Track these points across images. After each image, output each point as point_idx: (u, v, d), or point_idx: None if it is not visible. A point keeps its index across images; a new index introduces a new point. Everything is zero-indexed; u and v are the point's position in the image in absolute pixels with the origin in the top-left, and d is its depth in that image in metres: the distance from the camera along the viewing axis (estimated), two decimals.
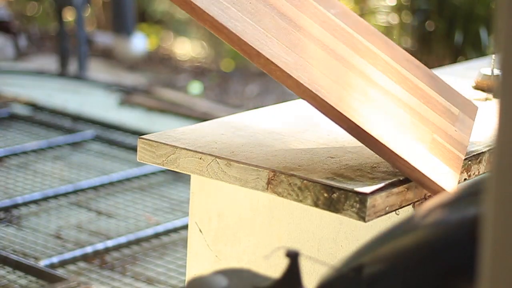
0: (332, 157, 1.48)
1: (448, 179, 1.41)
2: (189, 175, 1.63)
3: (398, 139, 1.42)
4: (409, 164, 1.38)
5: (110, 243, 3.00)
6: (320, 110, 1.40)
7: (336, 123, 1.39)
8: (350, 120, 1.38)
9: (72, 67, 5.80)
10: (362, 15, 7.61)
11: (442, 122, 1.54)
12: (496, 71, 1.92)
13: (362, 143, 1.40)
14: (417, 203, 1.42)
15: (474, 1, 5.19)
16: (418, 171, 1.38)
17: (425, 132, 1.48)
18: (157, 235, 3.14)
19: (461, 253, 0.89)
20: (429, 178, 1.38)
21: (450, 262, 0.89)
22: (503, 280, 0.69)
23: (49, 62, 6.22)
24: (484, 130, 1.68)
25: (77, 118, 4.43)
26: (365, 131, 1.38)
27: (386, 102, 1.49)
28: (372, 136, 1.38)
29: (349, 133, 1.40)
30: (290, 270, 0.98)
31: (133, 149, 3.89)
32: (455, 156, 1.48)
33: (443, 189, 1.38)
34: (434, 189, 1.39)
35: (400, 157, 1.38)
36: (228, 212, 1.64)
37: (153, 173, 3.71)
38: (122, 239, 3.05)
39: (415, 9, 5.41)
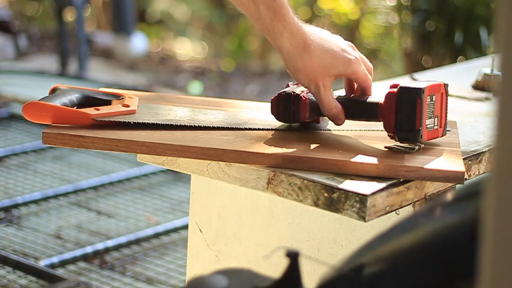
0: None
1: (456, 164, 1.41)
2: (189, 175, 1.63)
3: (388, 157, 1.42)
4: (411, 167, 1.38)
5: (110, 243, 3.00)
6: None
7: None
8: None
9: (72, 67, 5.80)
10: (362, 15, 7.61)
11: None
12: (496, 71, 1.92)
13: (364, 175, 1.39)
14: (417, 203, 1.42)
15: (474, 1, 5.19)
16: (424, 169, 1.38)
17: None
18: (157, 235, 3.13)
19: (461, 253, 0.89)
20: (437, 170, 1.38)
21: (450, 262, 0.89)
22: (503, 280, 0.69)
23: (49, 62, 6.22)
24: (484, 130, 1.68)
25: None
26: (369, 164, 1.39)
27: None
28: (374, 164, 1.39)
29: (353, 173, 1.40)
30: (290, 270, 0.98)
31: None
32: (452, 151, 1.48)
33: (456, 172, 1.38)
34: (445, 176, 1.38)
35: (400, 165, 1.38)
36: (228, 212, 1.64)
37: (153, 173, 3.71)
38: (122, 239, 3.05)
39: (415, 9, 5.41)
